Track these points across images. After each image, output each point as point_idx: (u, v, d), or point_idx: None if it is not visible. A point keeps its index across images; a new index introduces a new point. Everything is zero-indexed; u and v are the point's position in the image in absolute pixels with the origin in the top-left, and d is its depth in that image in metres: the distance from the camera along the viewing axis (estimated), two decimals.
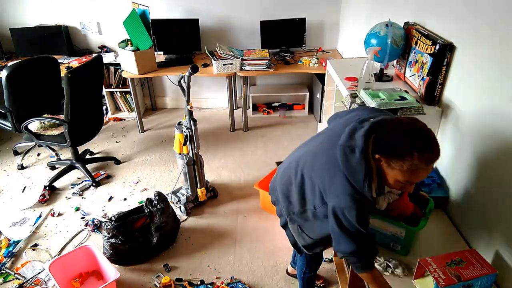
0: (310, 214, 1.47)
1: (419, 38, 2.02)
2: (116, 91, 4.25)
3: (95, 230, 2.71)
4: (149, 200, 2.49)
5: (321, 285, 2.29)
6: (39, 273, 2.38)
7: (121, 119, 4.36)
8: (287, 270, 2.37)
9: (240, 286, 2.28)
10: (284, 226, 1.71)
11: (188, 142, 2.65)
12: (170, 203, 2.80)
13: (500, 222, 1.51)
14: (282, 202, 1.61)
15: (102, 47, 4.17)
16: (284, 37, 4.03)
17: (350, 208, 1.24)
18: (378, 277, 1.40)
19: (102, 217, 2.83)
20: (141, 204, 2.53)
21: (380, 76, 2.26)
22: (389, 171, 1.22)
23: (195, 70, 2.44)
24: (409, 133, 1.17)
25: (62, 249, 2.59)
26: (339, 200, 1.26)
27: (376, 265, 1.55)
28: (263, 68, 3.66)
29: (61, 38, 3.93)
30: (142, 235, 2.42)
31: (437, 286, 1.29)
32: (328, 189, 1.30)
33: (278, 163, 2.79)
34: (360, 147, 1.21)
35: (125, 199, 3.05)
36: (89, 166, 3.38)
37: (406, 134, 1.17)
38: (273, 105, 4.47)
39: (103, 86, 3.90)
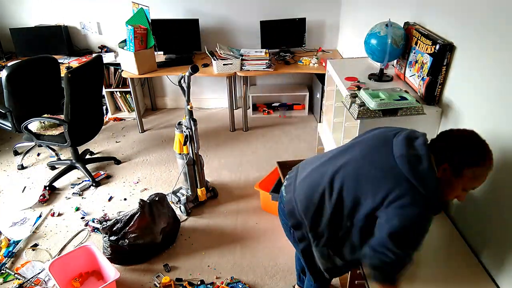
0: (344, 231, 1.36)
1: (419, 38, 2.02)
2: (116, 91, 4.25)
3: (95, 230, 2.71)
4: (143, 201, 2.48)
5: None
6: (39, 273, 2.38)
7: (121, 119, 4.36)
8: None
9: (240, 286, 2.28)
10: (305, 250, 1.51)
11: (188, 142, 2.65)
12: (170, 203, 2.80)
13: (499, 222, 1.51)
14: (308, 225, 1.43)
15: (102, 47, 4.17)
16: (284, 37, 4.02)
17: (417, 217, 1.19)
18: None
19: (102, 217, 2.83)
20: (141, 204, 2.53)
21: (380, 76, 2.26)
22: (456, 180, 1.23)
23: (195, 70, 2.44)
24: (479, 143, 1.23)
25: (62, 249, 2.59)
26: (404, 211, 1.18)
27: None
28: (263, 68, 3.66)
29: (61, 38, 3.93)
30: (142, 235, 2.41)
31: None
32: (389, 200, 1.20)
33: (279, 163, 2.79)
34: (425, 156, 1.21)
35: (125, 199, 3.05)
36: (89, 166, 3.38)
37: (475, 143, 1.22)
38: (273, 105, 4.47)
39: (103, 86, 3.89)
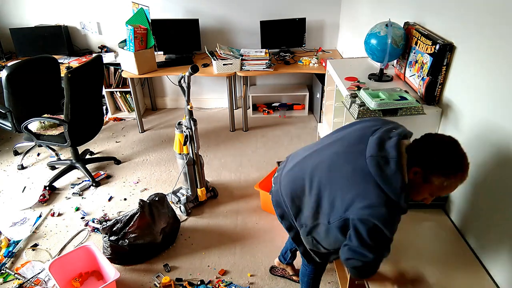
0: (323, 228, 1.40)
1: (419, 38, 2.02)
2: (116, 91, 4.25)
3: (95, 230, 2.71)
4: (143, 201, 2.48)
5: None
6: (39, 273, 2.38)
7: (121, 119, 4.36)
8: (272, 267, 2.37)
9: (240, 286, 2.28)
10: (295, 238, 1.62)
11: (188, 142, 2.65)
12: (170, 203, 2.80)
13: (499, 221, 1.51)
14: (293, 215, 1.51)
15: (102, 47, 4.17)
16: (284, 37, 4.03)
17: (385, 218, 1.20)
18: (378, 274, 1.39)
19: (102, 217, 2.83)
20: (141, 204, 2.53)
21: (380, 76, 2.26)
22: (425, 184, 1.23)
23: (195, 70, 2.44)
24: (455, 154, 1.20)
25: (62, 249, 2.59)
26: (371, 211, 1.20)
27: None
28: (263, 68, 3.66)
29: (61, 38, 3.93)
30: (142, 235, 2.41)
31: None
32: (358, 200, 1.23)
33: (279, 163, 2.79)
34: (395, 158, 1.21)
35: (125, 199, 3.05)
36: (89, 166, 3.38)
37: (452, 154, 1.20)
38: (273, 105, 4.47)
39: (103, 86, 3.90)
